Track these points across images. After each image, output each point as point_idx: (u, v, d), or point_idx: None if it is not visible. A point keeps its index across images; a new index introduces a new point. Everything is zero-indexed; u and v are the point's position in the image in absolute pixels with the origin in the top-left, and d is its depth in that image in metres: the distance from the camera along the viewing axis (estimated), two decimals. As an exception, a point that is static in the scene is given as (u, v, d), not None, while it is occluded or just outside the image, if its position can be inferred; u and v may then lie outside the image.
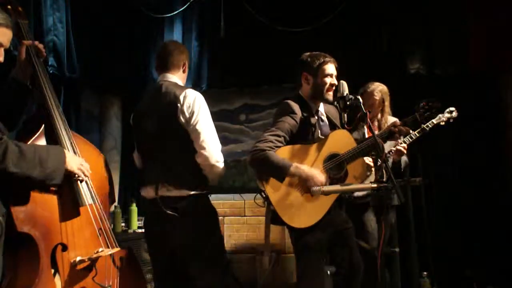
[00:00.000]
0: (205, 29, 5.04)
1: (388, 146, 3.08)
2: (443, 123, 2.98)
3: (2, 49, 1.71)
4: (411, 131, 2.93)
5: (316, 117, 2.51)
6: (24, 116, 1.99)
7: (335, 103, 2.37)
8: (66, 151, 1.84)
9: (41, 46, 2.02)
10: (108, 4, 4.54)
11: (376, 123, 3.20)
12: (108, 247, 1.98)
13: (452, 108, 3.00)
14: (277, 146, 2.33)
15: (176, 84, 2.39)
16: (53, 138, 1.90)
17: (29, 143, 1.80)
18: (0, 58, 1.70)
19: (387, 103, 3.21)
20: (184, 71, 2.48)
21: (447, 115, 2.98)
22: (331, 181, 2.36)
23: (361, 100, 2.12)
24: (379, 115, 3.21)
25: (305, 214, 2.32)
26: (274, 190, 2.33)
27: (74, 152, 1.94)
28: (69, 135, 1.96)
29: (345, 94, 2.17)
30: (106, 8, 4.52)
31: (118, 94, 5.03)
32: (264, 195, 2.37)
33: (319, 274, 2.36)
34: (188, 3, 4.80)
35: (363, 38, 4.61)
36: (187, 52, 2.52)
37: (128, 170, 4.90)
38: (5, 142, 1.58)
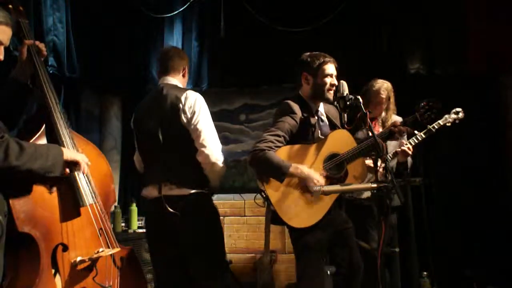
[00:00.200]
0: (205, 29, 5.04)
1: (393, 147, 3.08)
2: (449, 124, 2.93)
3: (2, 48, 1.71)
4: (416, 132, 2.91)
5: (316, 117, 2.51)
6: (24, 116, 1.99)
7: (335, 103, 2.37)
8: (63, 148, 1.84)
9: (42, 45, 2.02)
10: (108, 4, 4.54)
11: (380, 122, 3.17)
12: (109, 247, 1.98)
13: (458, 109, 2.95)
14: (277, 146, 2.33)
15: (176, 86, 2.45)
16: (53, 138, 1.90)
17: (30, 142, 1.80)
18: (0, 57, 1.70)
19: (392, 100, 3.18)
20: (184, 76, 2.55)
21: (453, 116, 2.94)
22: (331, 181, 2.36)
23: (361, 100, 2.12)
24: (384, 113, 3.18)
25: (305, 214, 2.32)
26: (274, 190, 2.33)
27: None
28: (70, 134, 1.96)
29: (345, 94, 2.17)
30: (106, 8, 4.52)
31: (118, 94, 5.03)
32: (264, 195, 2.37)
33: (319, 274, 2.36)
34: (188, 3, 4.80)
35: (363, 38, 4.61)
36: (187, 58, 2.60)
37: (128, 170, 4.90)
38: (6, 140, 1.59)
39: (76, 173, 1.87)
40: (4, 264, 1.64)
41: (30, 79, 1.99)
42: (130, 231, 4.06)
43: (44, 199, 1.79)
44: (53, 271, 1.79)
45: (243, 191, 4.96)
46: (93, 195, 1.96)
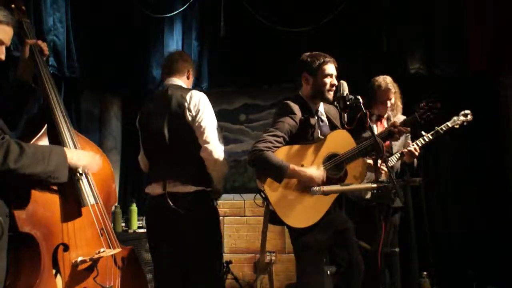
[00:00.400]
0: (205, 29, 5.03)
1: (397, 147, 3.07)
2: (457, 126, 2.92)
3: (3, 47, 1.71)
4: (423, 133, 2.90)
5: (316, 117, 2.51)
6: (25, 116, 1.99)
7: (335, 103, 2.37)
8: (66, 149, 1.82)
9: (44, 44, 2.02)
10: (108, 4, 4.54)
11: (385, 121, 3.14)
12: (110, 248, 1.98)
13: (467, 111, 2.94)
14: (276, 147, 2.33)
15: (181, 87, 2.53)
16: (55, 138, 1.89)
17: (31, 143, 1.79)
18: (1, 56, 1.70)
19: (399, 95, 3.13)
20: (188, 78, 2.63)
21: (462, 118, 2.93)
22: (331, 181, 2.36)
23: (361, 100, 2.12)
24: (390, 112, 3.12)
25: (305, 214, 2.32)
26: (273, 190, 2.33)
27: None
28: (72, 134, 1.96)
29: (345, 94, 2.17)
30: (106, 8, 4.52)
31: (118, 94, 5.03)
32: (263, 195, 2.37)
33: (318, 274, 2.36)
34: (188, 3, 4.80)
35: (363, 38, 4.61)
36: (191, 61, 2.70)
37: (128, 170, 4.90)
38: (7, 141, 1.57)
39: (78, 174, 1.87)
40: (7, 266, 1.64)
41: (32, 79, 1.99)
42: (130, 231, 4.06)
43: (45, 199, 1.79)
44: (54, 271, 1.79)
45: (243, 191, 4.97)
46: (95, 195, 1.96)
